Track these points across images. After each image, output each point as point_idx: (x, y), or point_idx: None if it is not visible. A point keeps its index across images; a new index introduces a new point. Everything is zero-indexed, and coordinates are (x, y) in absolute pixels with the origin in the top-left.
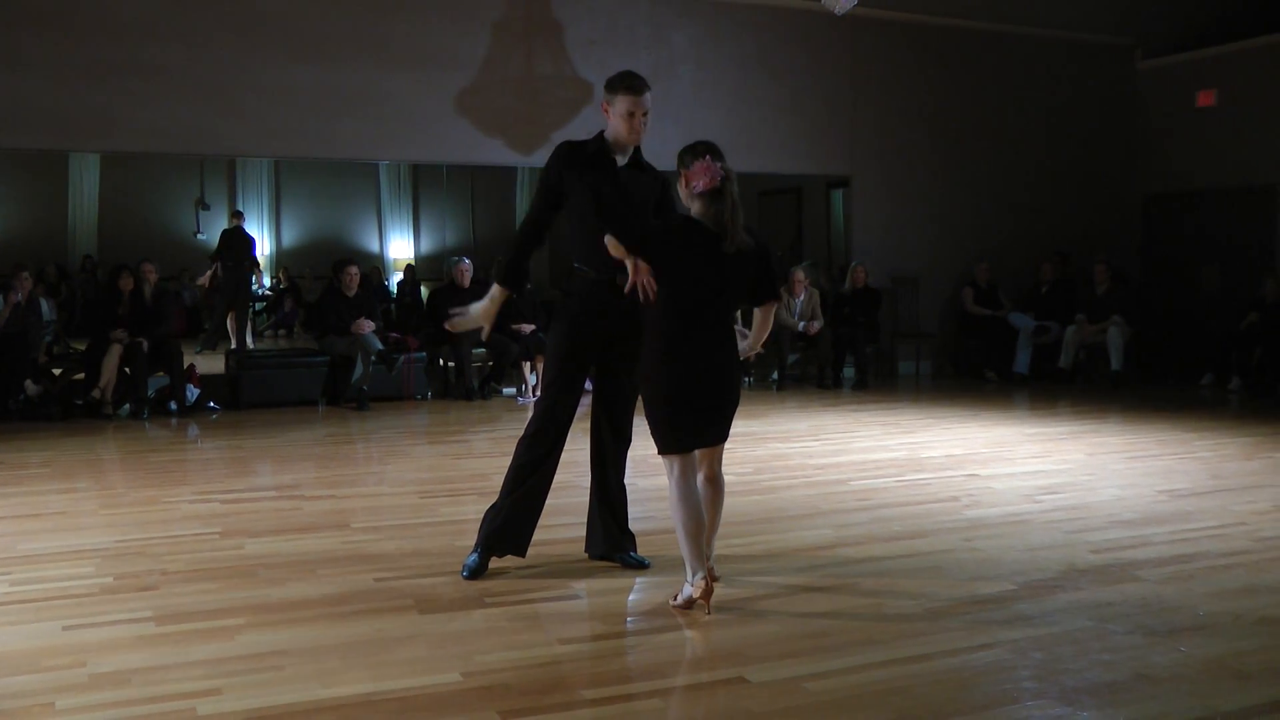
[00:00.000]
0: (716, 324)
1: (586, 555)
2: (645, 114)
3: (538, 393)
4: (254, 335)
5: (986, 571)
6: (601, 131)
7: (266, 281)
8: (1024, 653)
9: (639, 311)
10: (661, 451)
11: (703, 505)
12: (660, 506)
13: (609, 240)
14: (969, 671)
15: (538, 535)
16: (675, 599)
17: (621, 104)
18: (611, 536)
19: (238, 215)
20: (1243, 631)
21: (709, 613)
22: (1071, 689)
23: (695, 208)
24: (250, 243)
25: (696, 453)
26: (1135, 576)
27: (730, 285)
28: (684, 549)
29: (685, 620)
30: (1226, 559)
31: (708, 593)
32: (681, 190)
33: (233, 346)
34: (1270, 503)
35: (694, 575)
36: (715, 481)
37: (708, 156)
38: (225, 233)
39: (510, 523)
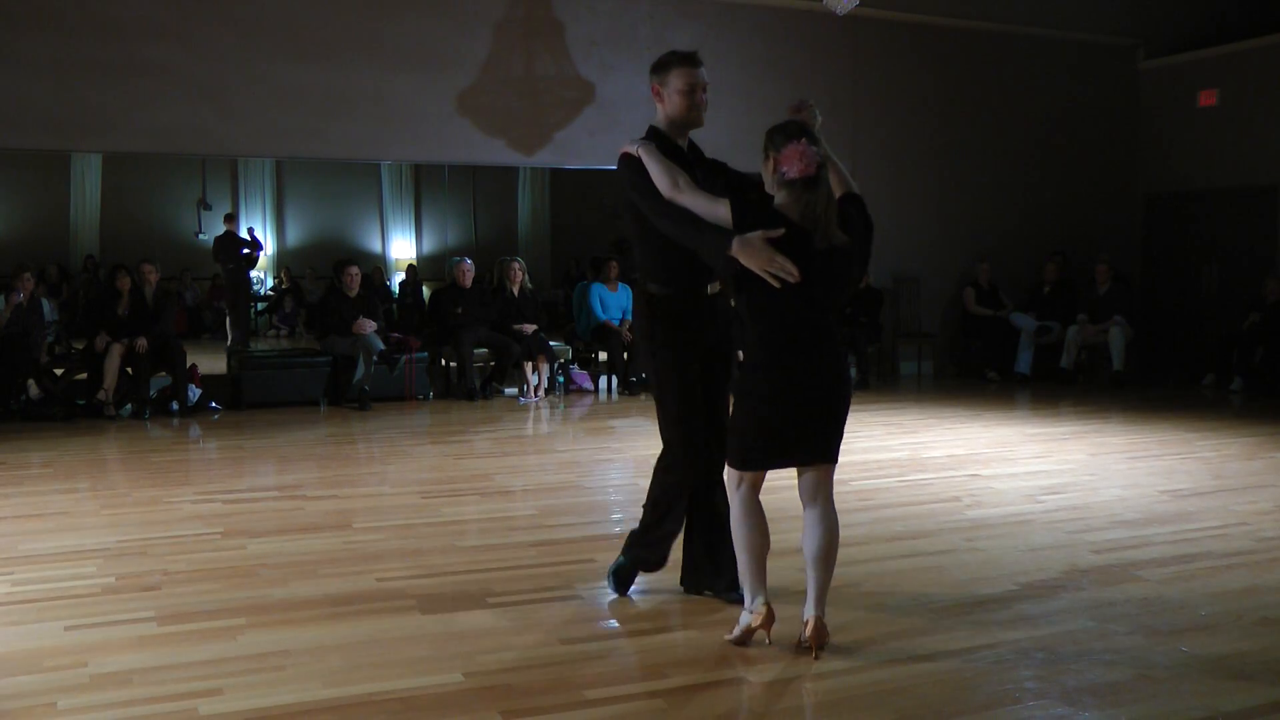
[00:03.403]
0: (813, 328)
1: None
2: (705, 88)
3: (540, 393)
4: (242, 333)
5: (988, 572)
6: (653, 127)
7: (268, 281)
8: (1026, 653)
9: (729, 317)
10: (735, 465)
11: (815, 546)
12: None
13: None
14: (970, 671)
15: (536, 535)
16: (732, 632)
17: (678, 79)
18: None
19: (227, 219)
20: (1244, 632)
21: (769, 641)
22: (1073, 689)
23: (781, 197)
24: (239, 244)
25: (802, 481)
26: (1137, 577)
27: (822, 284)
28: (747, 570)
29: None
30: (1228, 559)
31: (769, 620)
32: (766, 175)
33: (228, 343)
34: (1272, 503)
35: (754, 600)
36: (829, 517)
37: (803, 140)
38: (217, 239)
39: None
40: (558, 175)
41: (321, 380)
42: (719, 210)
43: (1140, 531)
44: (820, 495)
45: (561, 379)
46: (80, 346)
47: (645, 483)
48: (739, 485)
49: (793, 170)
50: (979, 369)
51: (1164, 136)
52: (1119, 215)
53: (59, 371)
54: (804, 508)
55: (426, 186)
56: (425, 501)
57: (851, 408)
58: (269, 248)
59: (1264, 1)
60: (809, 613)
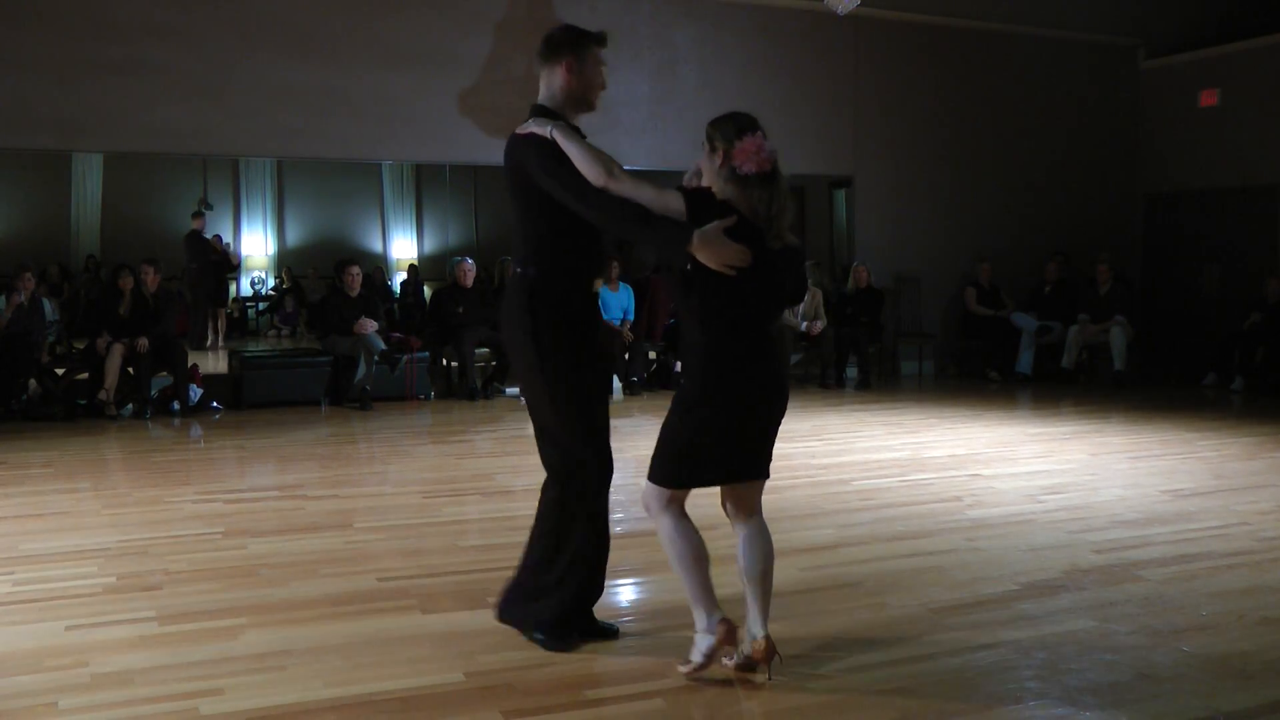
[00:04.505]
0: (762, 335)
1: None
2: None
3: None
4: (199, 332)
5: (989, 571)
6: (548, 109)
7: (269, 281)
8: (1027, 652)
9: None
10: (668, 484)
11: (758, 564)
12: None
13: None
14: (972, 671)
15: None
16: (689, 661)
17: (595, 58)
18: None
19: (196, 217)
20: (1245, 631)
21: (730, 661)
22: (1074, 689)
23: (732, 192)
24: (205, 245)
25: (733, 497)
26: (1138, 576)
27: (773, 287)
28: (696, 588)
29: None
30: (1229, 559)
31: (731, 636)
32: (713, 171)
33: (206, 344)
34: (1273, 502)
35: (710, 619)
36: (764, 531)
37: (760, 133)
38: (185, 237)
39: None
40: None
41: (322, 380)
42: (669, 202)
43: (1141, 531)
44: (755, 510)
45: None
46: (81, 346)
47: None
48: (667, 504)
49: (749, 165)
50: (980, 369)
51: (1165, 136)
52: (1120, 215)
53: (60, 371)
54: (735, 524)
55: (428, 186)
56: (426, 501)
57: (854, 407)
58: (269, 247)
59: (1265, 1)
60: (759, 632)
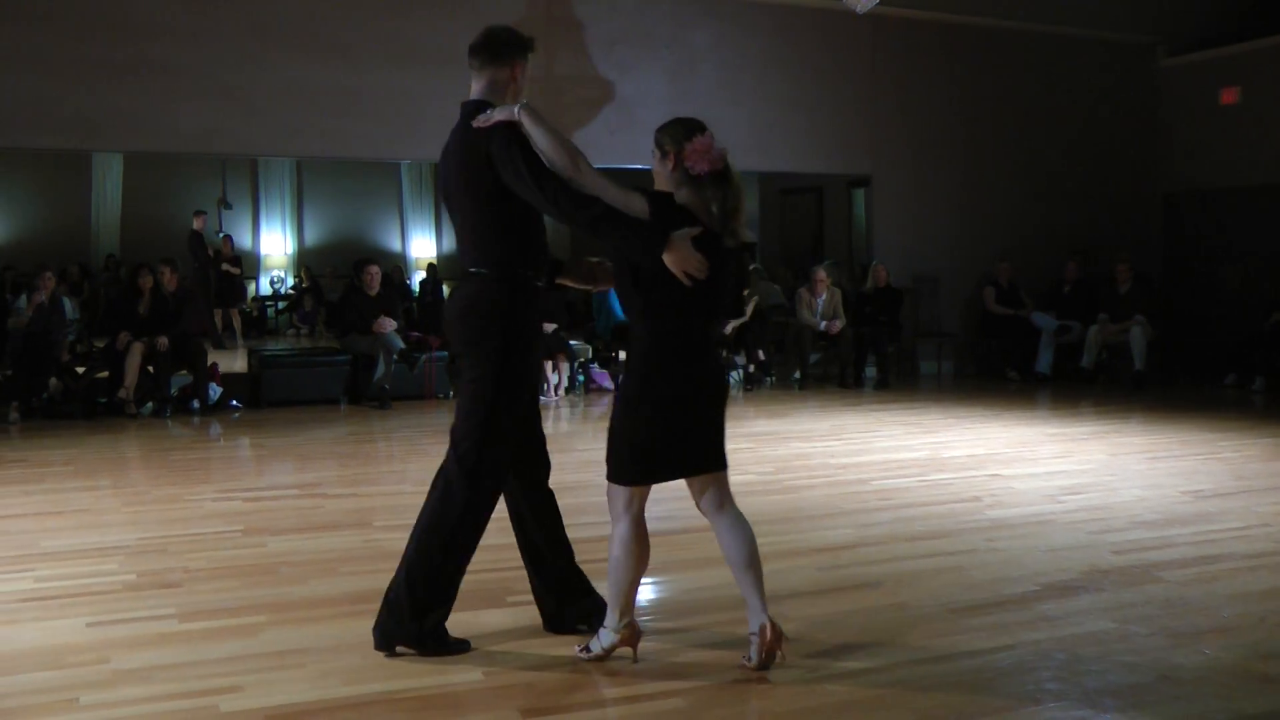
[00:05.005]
0: (704, 331)
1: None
2: None
3: (559, 392)
4: (240, 333)
5: (1008, 572)
6: (487, 102)
7: (289, 280)
8: (1046, 654)
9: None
10: (628, 481)
11: (743, 552)
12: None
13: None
14: (991, 672)
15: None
16: (585, 649)
17: (529, 66)
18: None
19: (197, 215)
20: (1267, 633)
21: (636, 660)
22: (1094, 690)
23: (684, 195)
24: (204, 245)
25: (700, 491)
26: (1158, 578)
27: (725, 286)
28: (623, 592)
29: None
30: (1250, 560)
31: (636, 638)
32: (665, 175)
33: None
34: None
35: (621, 620)
36: (741, 519)
37: (709, 133)
38: (188, 235)
39: None
40: None
41: (341, 379)
42: (632, 202)
43: (1161, 532)
44: (726, 501)
45: (581, 378)
46: (101, 345)
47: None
48: (629, 504)
49: (701, 165)
50: (999, 369)
51: (1185, 134)
52: (1140, 214)
53: (80, 370)
54: (711, 518)
55: None
56: None
57: (873, 407)
58: (288, 246)
59: None
60: (762, 619)
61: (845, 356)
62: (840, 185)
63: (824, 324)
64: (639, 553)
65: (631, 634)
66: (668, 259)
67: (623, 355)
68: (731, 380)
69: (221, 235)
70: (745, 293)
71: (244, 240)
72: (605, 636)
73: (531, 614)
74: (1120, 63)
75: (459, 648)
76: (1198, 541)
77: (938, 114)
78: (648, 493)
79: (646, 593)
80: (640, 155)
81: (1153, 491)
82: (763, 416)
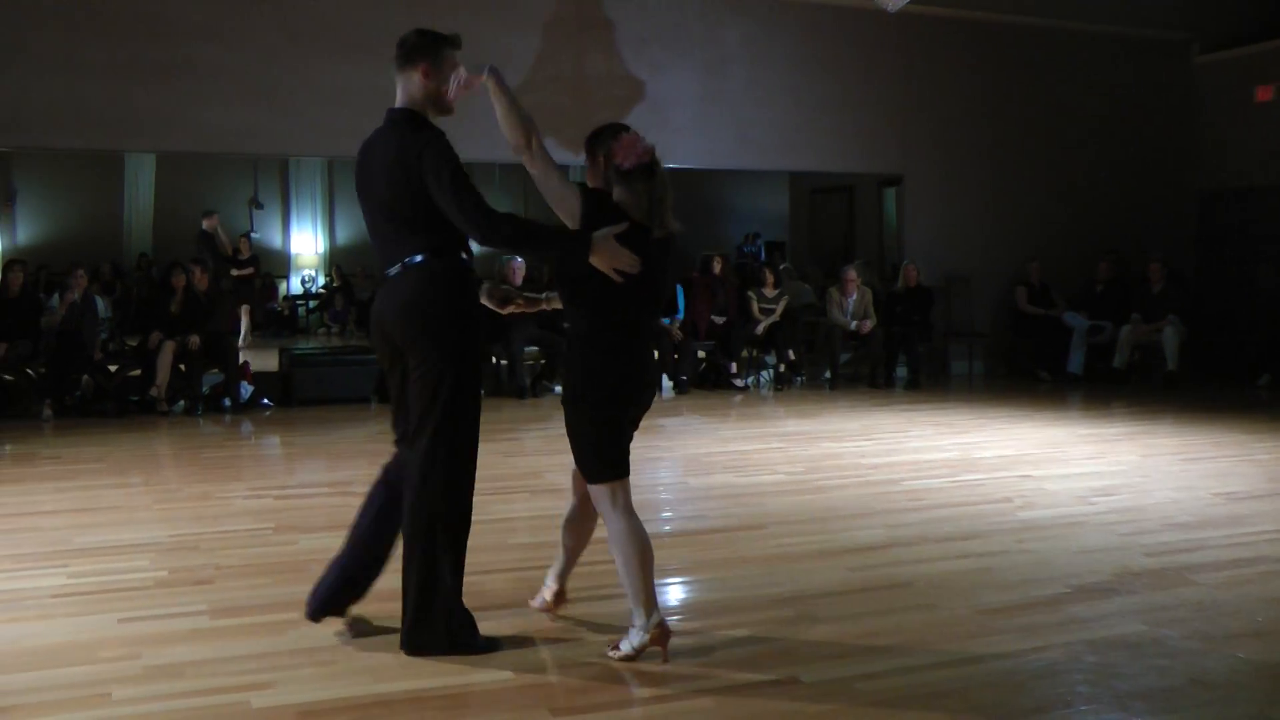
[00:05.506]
0: (638, 327)
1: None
2: None
3: None
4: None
5: (1039, 574)
6: (406, 110)
7: (319, 279)
8: (1077, 656)
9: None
10: (606, 478)
11: (576, 528)
12: (712, 506)
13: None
14: (1021, 675)
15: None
16: (615, 648)
17: (452, 61)
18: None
19: (206, 216)
20: None
21: (665, 661)
22: (1125, 694)
23: (618, 193)
24: (214, 245)
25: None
26: (1190, 581)
27: (658, 278)
28: (638, 587)
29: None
30: None
31: (665, 637)
32: (597, 176)
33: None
34: None
35: (649, 619)
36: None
37: (633, 130)
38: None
39: None
40: None
41: (372, 378)
42: (568, 197)
43: (1194, 535)
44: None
45: None
46: (134, 343)
47: (695, 481)
48: (614, 500)
49: (629, 160)
50: (1030, 369)
51: (1220, 132)
52: (1173, 212)
53: (113, 368)
54: (577, 496)
55: (478, 185)
56: (475, 499)
57: (903, 407)
58: (319, 246)
59: None
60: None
61: (876, 356)
62: (871, 184)
63: (854, 324)
64: (640, 545)
65: (661, 633)
66: (595, 259)
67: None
68: (761, 380)
69: (239, 235)
70: (776, 293)
71: (274, 239)
72: (635, 636)
73: (562, 612)
74: (1153, 60)
75: (488, 646)
76: (1230, 544)
77: (969, 112)
78: (629, 483)
79: (675, 592)
80: (670, 155)
81: (1185, 493)
82: (793, 416)
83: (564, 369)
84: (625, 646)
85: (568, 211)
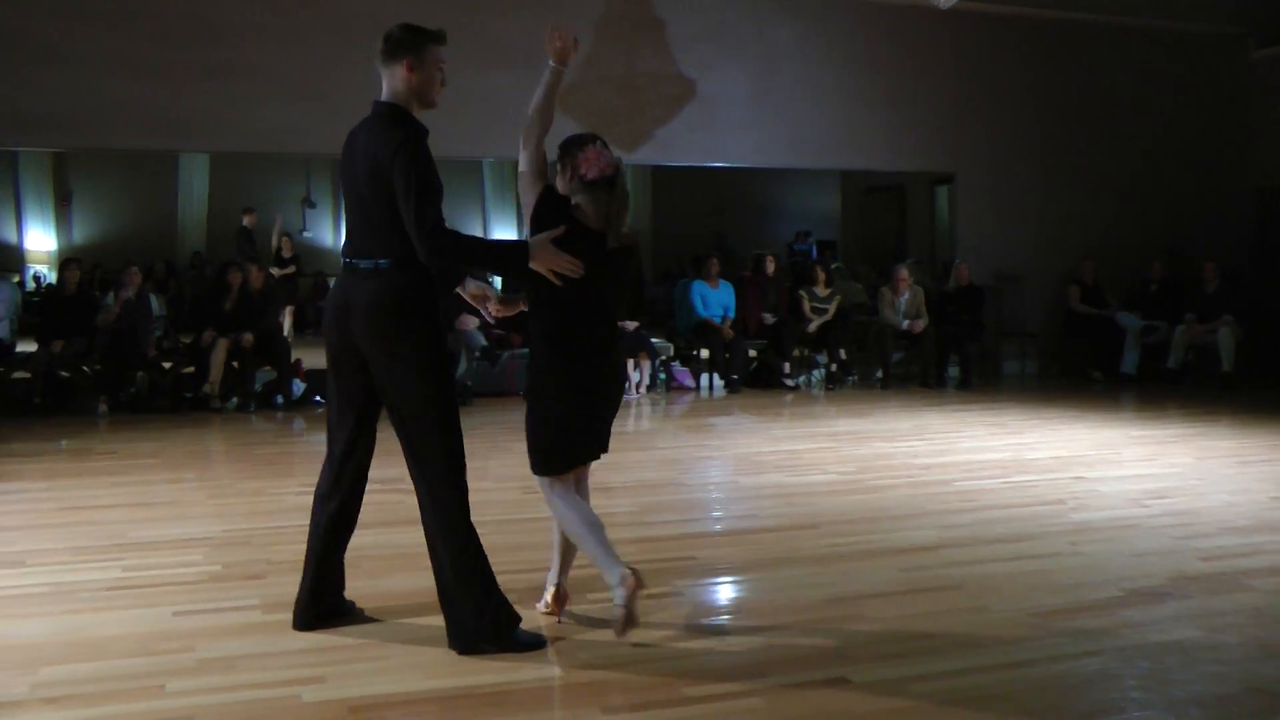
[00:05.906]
0: (598, 328)
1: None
2: None
3: (641, 390)
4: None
5: (1092, 577)
6: (390, 104)
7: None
8: (1130, 661)
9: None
10: (543, 471)
11: (580, 514)
12: (763, 505)
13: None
14: (1073, 679)
15: (636, 532)
16: (620, 620)
17: (437, 56)
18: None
19: (247, 213)
20: None
21: (641, 586)
22: (1179, 700)
23: (581, 200)
24: (252, 243)
25: (575, 473)
26: (1247, 585)
27: (615, 283)
28: (595, 553)
29: (784, 619)
30: None
31: (640, 583)
32: (561, 181)
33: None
34: None
35: (619, 572)
36: (585, 492)
37: (599, 142)
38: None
39: None
40: (659, 172)
41: None
42: (530, 192)
43: (1250, 539)
44: (584, 487)
45: (663, 376)
46: (187, 341)
47: (746, 480)
48: (554, 487)
49: (592, 171)
50: (1083, 369)
51: (1276, 129)
52: (1230, 211)
53: (167, 365)
54: (572, 486)
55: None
56: (526, 497)
57: (955, 407)
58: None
59: None
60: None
61: (928, 356)
62: (923, 183)
63: (906, 323)
64: (581, 516)
65: (634, 580)
66: (534, 264)
67: (704, 353)
68: (813, 379)
69: (281, 234)
70: (829, 292)
71: (325, 238)
72: (617, 595)
73: (612, 610)
74: (1208, 55)
75: (534, 643)
76: None
77: (1021, 109)
78: (570, 476)
79: (726, 592)
80: (721, 154)
81: (1241, 496)
82: (845, 416)
83: (527, 370)
84: (620, 609)
85: (527, 203)
